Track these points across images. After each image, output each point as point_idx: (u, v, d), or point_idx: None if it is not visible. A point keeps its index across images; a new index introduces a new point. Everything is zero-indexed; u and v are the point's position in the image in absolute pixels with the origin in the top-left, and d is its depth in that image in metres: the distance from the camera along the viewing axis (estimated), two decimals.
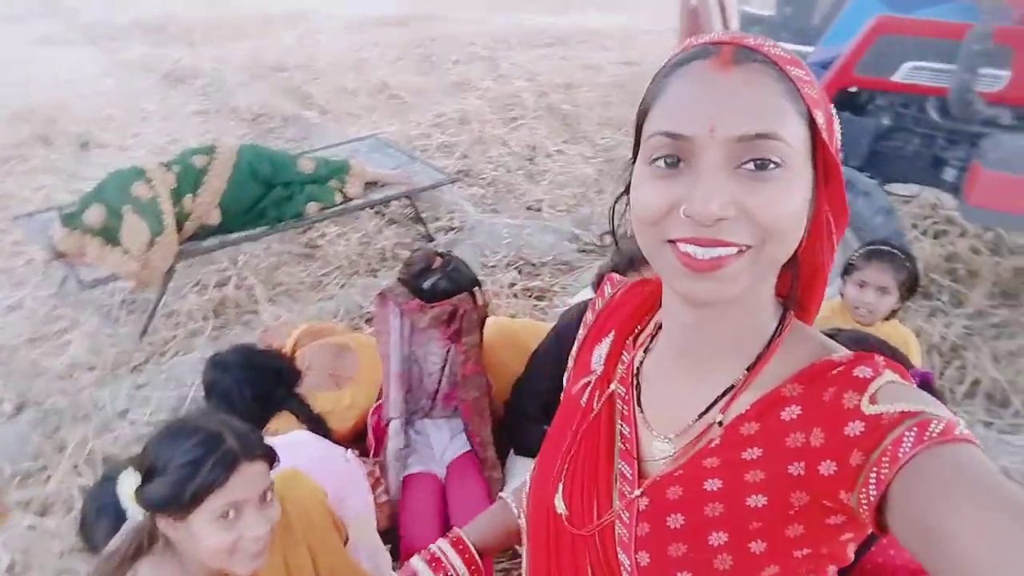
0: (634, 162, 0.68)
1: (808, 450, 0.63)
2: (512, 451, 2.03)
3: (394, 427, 1.97)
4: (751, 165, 0.59)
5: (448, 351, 2.03)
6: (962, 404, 2.76)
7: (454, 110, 5.95)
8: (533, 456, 1.90)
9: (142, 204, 3.00)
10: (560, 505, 0.78)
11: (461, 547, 1.00)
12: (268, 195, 3.40)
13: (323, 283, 3.72)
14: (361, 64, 7.29)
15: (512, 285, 3.63)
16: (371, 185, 3.80)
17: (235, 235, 3.31)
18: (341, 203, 3.62)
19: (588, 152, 5.32)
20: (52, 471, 2.46)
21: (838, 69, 3.11)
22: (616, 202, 0.73)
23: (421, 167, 4.12)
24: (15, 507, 2.33)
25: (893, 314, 2.21)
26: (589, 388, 0.82)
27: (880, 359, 0.64)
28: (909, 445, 0.55)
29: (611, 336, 0.84)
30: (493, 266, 3.83)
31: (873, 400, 0.60)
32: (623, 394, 0.78)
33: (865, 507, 0.57)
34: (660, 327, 0.78)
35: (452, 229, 4.23)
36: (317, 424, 1.97)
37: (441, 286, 1.94)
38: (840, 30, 3.06)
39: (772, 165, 0.59)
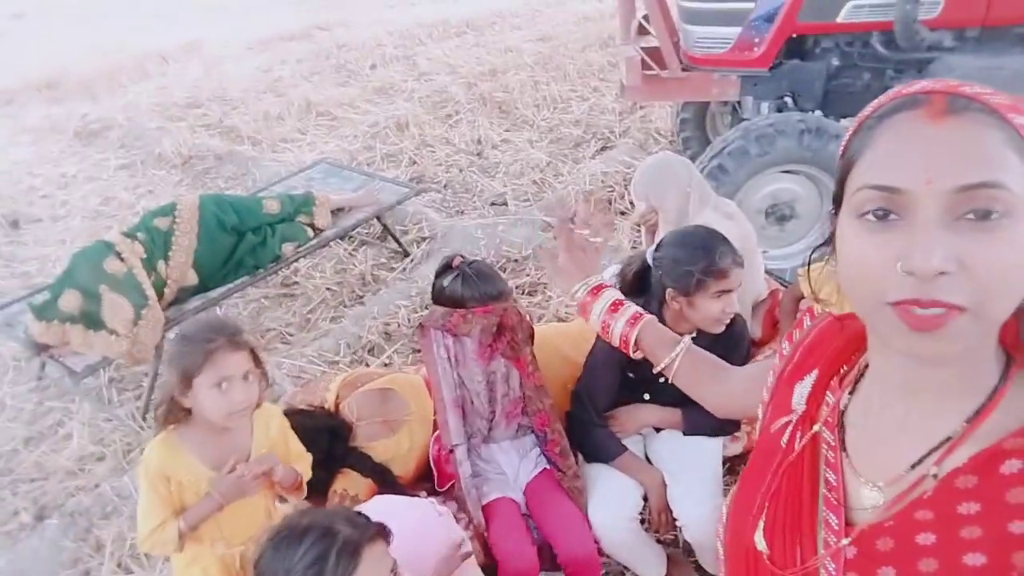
0: (835, 214, 0.67)
1: None
2: (583, 459, 2.04)
3: (459, 454, 1.95)
4: (971, 216, 0.57)
5: (491, 369, 2.02)
6: None
7: (387, 117, 5.84)
8: (605, 462, 1.94)
9: (118, 280, 2.86)
10: (761, 543, 0.78)
11: None
12: (241, 244, 3.29)
13: (311, 320, 3.64)
14: (277, 85, 7.07)
15: None
16: (338, 212, 3.72)
17: (218, 291, 3.20)
18: (314, 237, 3.54)
19: (534, 136, 5.32)
20: (96, 575, 2.35)
21: (782, 19, 3.20)
22: (813, 254, 0.71)
23: (382, 183, 4.05)
24: None
25: None
26: (791, 427, 0.80)
27: None
28: None
29: (814, 374, 0.82)
30: None
31: None
32: (828, 438, 0.77)
33: None
34: (867, 367, 0.76)
35: (424, 239, 4.18)
36: (382, 475, 1.95)
37: (457, 285, 1.89)
38: None
39: (995, 215, 0.57)
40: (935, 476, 0.66)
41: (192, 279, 3.13)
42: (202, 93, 7.06)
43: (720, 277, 1.76)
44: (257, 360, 1.67)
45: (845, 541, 0.70)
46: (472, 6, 9.14)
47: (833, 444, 0.76)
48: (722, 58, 3.42)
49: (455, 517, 1.88)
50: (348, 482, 1.91)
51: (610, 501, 1.88)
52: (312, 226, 3.55)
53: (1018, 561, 0.60)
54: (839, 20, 3.14)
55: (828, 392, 0.79)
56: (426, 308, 3.49)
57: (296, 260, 3.60)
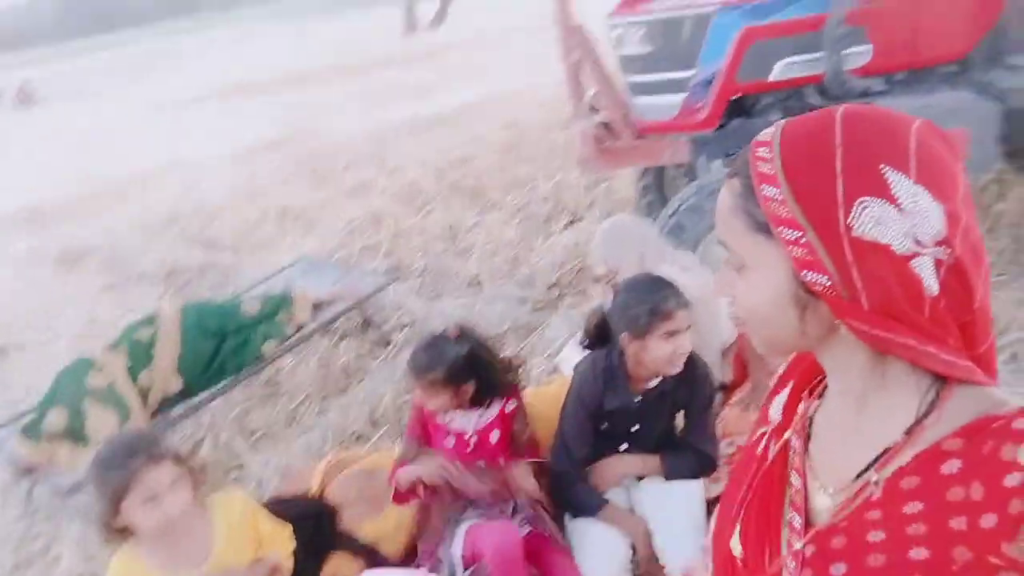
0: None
1: (969, 504, 0.64)
2: (567, 517, 2.05)
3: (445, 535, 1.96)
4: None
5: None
6: None
7: (362, 214, 6.01)
8: (589, 516, 1.95)
9: (101, 393, 2.90)
10: (736, 548, 0.83)
11: None
12: (223, 346, 3.34)
13: (297, 416, 3.64)
14: (253, 193, 7.28)
15: None
16: (318, 306, 3.79)
17: (202, 395, 3.23)
18: (295, 333, 3.60)
19: (504, 216, 5.48)
20: None
21: (721, 83, 3.38)
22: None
23: (359, 275, 4.15)
24: None
25: None
26: (766, 437, 0.86)
27: None
28: None
29: (789, 386, 0.88)
30: None
31: None
32: (796, 444, 0.82)
33: None
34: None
35: (404, 327, 4.24)
36: (371, 556, 1.94)
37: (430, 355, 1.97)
38: (712, 48, 3.33)
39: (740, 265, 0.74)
40: (876, 483, 0.71)
41: (176, 386, 3.17)
42: (181, 208, 7.25)
43: (666, 318, 1.84)
44: (180, 462, 1.71)
45: (800, 544, 0.75)
46: (440, 101, 9.54)
47: (799, 451, 0.81)
48: (671, 124, 3.59)
49: None
50: (339, 564, 1.91)
51: (600, 553, 1.89)
52: (293, 323, 3.61)
53: (958, 555, 0.64)
54: (772, 78, 3.32)
55: (801, 402, 0.85)
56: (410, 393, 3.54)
57: (279, 357, 3.64)
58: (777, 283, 0.70)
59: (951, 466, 0.67)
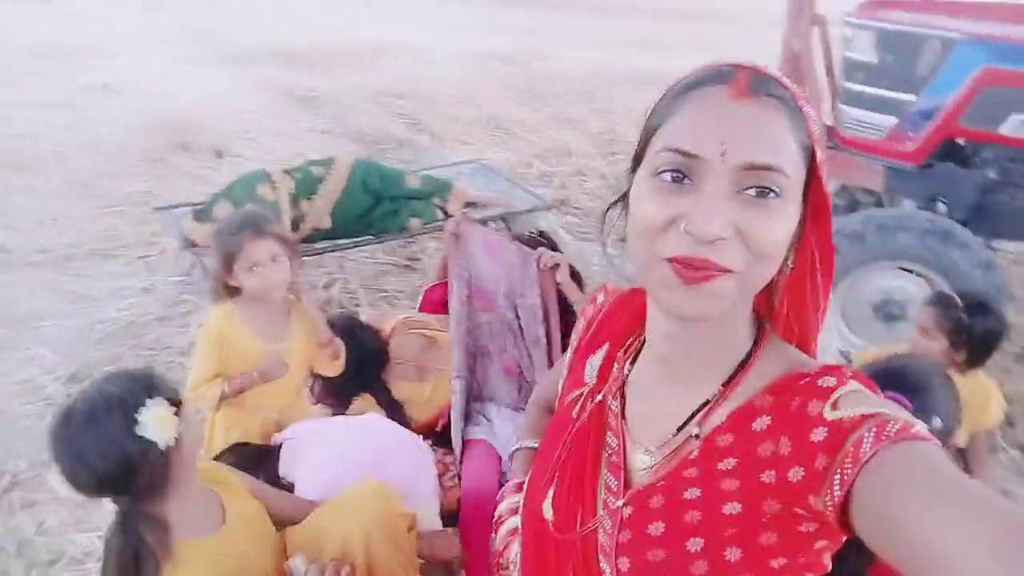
0: (633, 172, 0.71)
1: (777, 458, 0.65)
2: None
3: (456, 386, 2.12)
4: (752, 191, 0.63)
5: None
6: None
7: (557, 143, 6.16)
8: None
9: (265, 203, 3.31)
10: (548, 511, 0.81)
11: None
12: (376, 208, 3.66)
13: (420, 294, 3.94)
14: (472, 96, 7.65)
15: None
16: (471, 205, 4.02)
17: (343, 241, 3.59)
18: (441, 219, 3.85)
19: None
20: None
21: (943, 119, 3.10)
22: (609, 209, 0.76)
23: (520, 192, 4.32)
24: None
25: (969, 365, 2.17)
26: (582, 399, 0.84)
27: (847, 370, 0.67)
28: (869, 444, 0.58)
29: (605, 348, 0.87)
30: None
31: (835, 406, 0.63)
32: (612, 405, 0.81)
33: (831, 509, 0.60)
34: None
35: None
36: (395, 411, 2.14)
37: None
38: (944, 80, 3.05)
39: (772, 194, 0.63)
40: (697, 436, 0.72)
41: (326, 223, 3.54)
42: (407, 88, 7.79)
43: None
44: (284, 242, 1.99)
45: (620, 502, 0.74)
46: (669, 62, 9.34)
47: (615, 410, 0.80)
48: (874, 145, 3.36)
49: (448, 469, 2.04)
50: (364, 404, 2.13)
51: None
52: (443, 209, 3.86)
53: (767, 507, 0.65)
54: (1003, 131, 3.00)
55: (615, 363, 0.84)
56: None
57: (419, 235, 3.92)
58: (795, 217, 0.66)
59: (761, 423, 0.68)
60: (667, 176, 0.64)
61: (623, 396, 0.81)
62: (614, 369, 0.83)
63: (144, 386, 1.30)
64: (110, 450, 1.24)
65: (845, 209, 4.10)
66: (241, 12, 11.81)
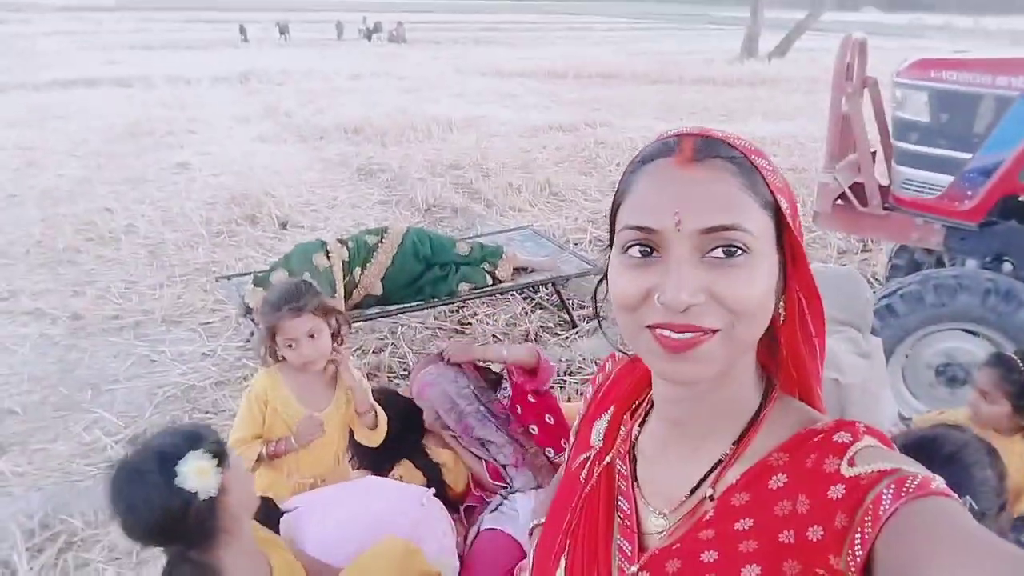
0: (610, 248, 0.73)
1: (795, 517, 0.64)
2: None
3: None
4: (719, 252, 0.63)
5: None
6: None
7: (608, 209, 6.19)
8: None
9: (319, 272, 3.43)
10: None
11: None
12: (426, 274, 3.75)
13: None
14: (528, 164, 7.82)
15: None
16: (520, 271, 4.07)
17: (394, 307, 3.67)
18: (491, 285, 3.90)
19: None
20: None
21: (1001, 175, 3.00)
22: (597, 287, 0.79)
23: (569, 256, 4.35)
24: None
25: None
26: (589, 463, 0.84)
27: (861, 426, 0.67)
28: (888, 502, 0.57)
29: (610, 411, 0.87)
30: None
31: (852, 463, 0.62)
32: (621, 469, 0.80)
33: (853, 570, 0.58)
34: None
35: (597, 318, 4.36)
36: (433, 475, 2.14)
37: None
38: (1003, 135, 2.96)
39: (739, 251, 0.63)
40: (711, 497, 0.71)
41: (377, 290, 3.64)
42: (465, 159, 8.03)
43: None
44: (325, 315, 2.04)
45: (634, 567, 0.73)
46: (734, 128, 9.38)
47: (625, 474, 0.80)
48: (931, 204, 3.26)
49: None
50: (405, 472, 2.13)
51: None
52: (493, 275, 3.92)
53: (788, 568, 0.64)
54: None
55: (622, 426, 0.84)
56: (569, 373, 3.68)
57: (468, 300, 3.98)
58: (772, 269, 0.67)
59: (777, 481, 0.67)
60: (635, 251, 0.66)
61: (633, 459, 0.80)
62: (621, 432, 0.83)
63: (187, 439, 1.37)
64: (153, 500, 1.30)
65: (905, 270, 3.99)
66: (324, 94, 12.61)
